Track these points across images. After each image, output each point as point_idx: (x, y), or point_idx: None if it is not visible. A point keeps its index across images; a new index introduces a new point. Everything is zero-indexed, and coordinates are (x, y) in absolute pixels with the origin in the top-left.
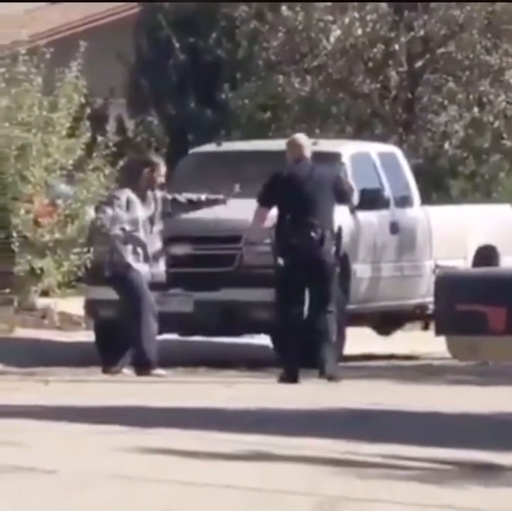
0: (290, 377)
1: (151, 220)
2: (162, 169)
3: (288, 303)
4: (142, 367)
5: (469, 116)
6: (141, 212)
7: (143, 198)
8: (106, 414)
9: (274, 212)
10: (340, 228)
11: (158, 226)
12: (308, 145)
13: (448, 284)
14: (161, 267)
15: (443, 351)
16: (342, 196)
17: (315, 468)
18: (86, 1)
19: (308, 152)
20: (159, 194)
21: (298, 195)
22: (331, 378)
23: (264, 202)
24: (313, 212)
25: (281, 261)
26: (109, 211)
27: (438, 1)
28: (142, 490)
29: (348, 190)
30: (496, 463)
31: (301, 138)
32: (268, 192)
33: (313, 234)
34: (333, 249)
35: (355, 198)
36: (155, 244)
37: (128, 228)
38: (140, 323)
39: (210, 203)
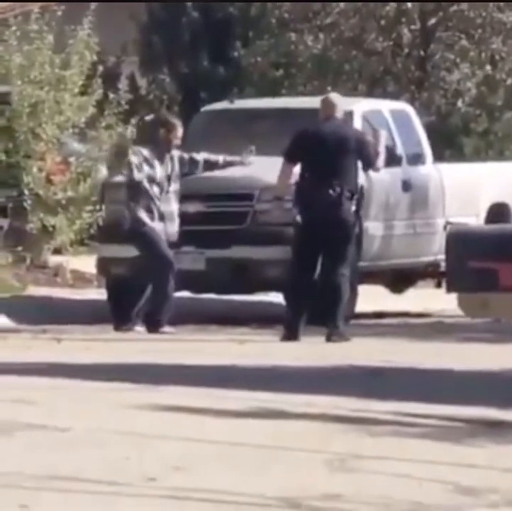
0: (290, 334)
1: (168, 179)
2: (179, 130)
3: (301, 260)
4: (154, 325)
5: (482, 74)
6: (158, 171)
7: (160, 158)
8: (117, 371)
9: (297, 169)
10: (361, 188)
11: (174, 186)
12: (341, 104)
13: (459, 241)
14: (175, 227)
15: (455, 309)
16: (365, 159)
17: (325, 425)
18: None
19: (339, 112)
20: (176, 153)
21: (319, 152)
22: (340, 338)
23: (289, 158)
24: (333, 171)
25: (299, 218)
26: (135, 160)
27: None
28: (153, 447)
29: (373, 155)
30: (508, 420)
31: (335, 97)
32: (293, 148)
33: (331, 192)
34: (352, 208)
35: (380, 162)
36: (171, 204)
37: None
38: (157, 281)
39: (227, 165)
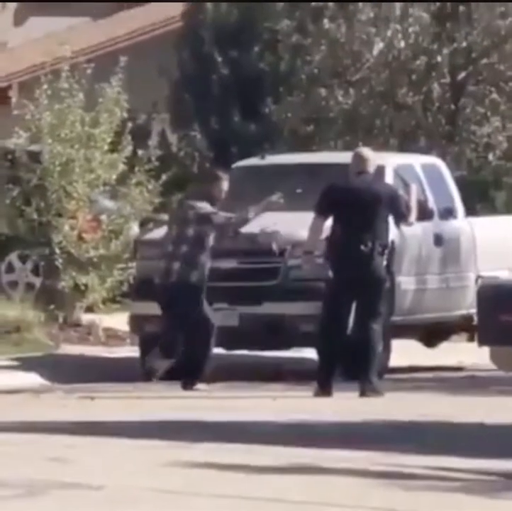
0: (323, 390)
1: None
2: (225, 184)
3: (333, 315)
4: (190, 382)
5: None
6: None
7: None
8: (151, 428)
9: (328, 223)
10: (392, 243)
11: None
12: (373, 159)
13: (490, 294)
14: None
15: (488, 362)
16: (397, 214)
17: (360, 480)
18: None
19: (371, 167)
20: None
21: (351, 207)
22: (373, 393)
23: (320, 212)
24: (366, 226)
25: (330, 273)
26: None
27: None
28: (188, 505)
29: (405, 210)
30: None
31: (366, 151)
32: (323, 202)
33: (362, 247)
34: (384, 264)
35: (412, 217)
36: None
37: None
38: (200, 340)
39: (234, 224)
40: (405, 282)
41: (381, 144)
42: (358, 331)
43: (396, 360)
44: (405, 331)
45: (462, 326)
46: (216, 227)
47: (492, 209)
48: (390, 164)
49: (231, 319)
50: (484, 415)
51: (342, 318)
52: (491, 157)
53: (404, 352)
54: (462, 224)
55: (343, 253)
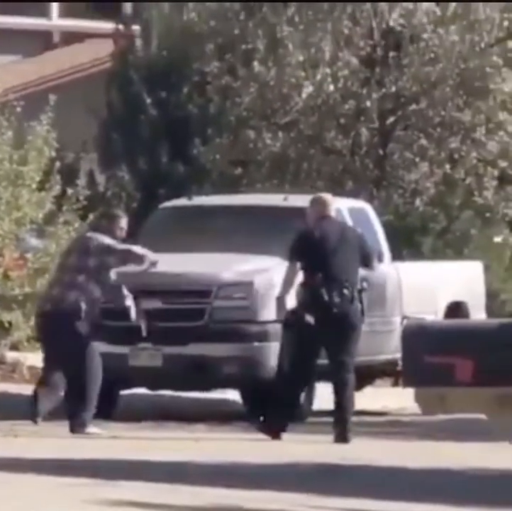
0: (276, 431)
1: None
2: (124, 222)
3: (303, 361)
4: (79, 423)
5: (441, 173)
6: None
7: None
8: (74, 467)
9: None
10: (363, 288)
11: None
12: (333, 203)
13: (415, 335)
14: None
15: (414, 407)
16: (366, 257)
17: None
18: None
19: (333, 211)
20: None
21: (330, 252)
22: (348, 439)
23: (294, 259)
24: (344, 270)
25: (310, 318)
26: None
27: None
28: None
29: (371, 253)
30: None
31: (327, 195)
32: (297, 249)
33: (345, 292)
34: (359, 306)
35: (375, 262)
36: None
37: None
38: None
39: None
40: None
41: (309, 187)
42: (337, 375)
43: (320, 403)
44: (329, 374)
45: (386, 371)
46: (116, 260)
47: (418, 255)
48: None
49: (155, 359)
50: (408, 459)
51: (311, 364)
52: (418, 202)
53: (328, 395)
54: (389, 269)
55: (322, 299)
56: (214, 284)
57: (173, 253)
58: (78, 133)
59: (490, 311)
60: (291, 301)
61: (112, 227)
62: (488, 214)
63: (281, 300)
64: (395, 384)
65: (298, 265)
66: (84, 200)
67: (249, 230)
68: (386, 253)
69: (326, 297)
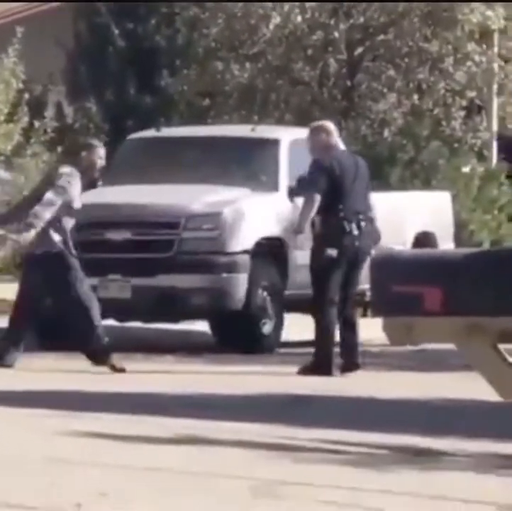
0: (328, 371)
1: None
2: (101, 151)
3: (333, 294)
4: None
5: (409, 104)
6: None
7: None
8: (42, 398)
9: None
10: (374, 218)
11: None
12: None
13: (383, 265)
14: None
15: (382, 337)
16: (368, 187)
17: (251, 452)
18: None
19: (338, 139)
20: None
21: (349, 184)
22: (358, 367)
23: (318, 190)
24: (361, 202)
25: (332, 251)
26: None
27: None
28: (77, 473)
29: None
30: (433, 448)
31: (329, 123)
32: (322, 179)
33: (363, 224)
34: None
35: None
36: None
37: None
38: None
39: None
40: (299, 256)
41: (277, 118)
42: (348, 307)
43: (288, 334)
44: (298, 305)
45: (355, 301)
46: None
47: (386, 185)
48: (285, 138)
49: (124, 290)
50: (378, 389)
51: (338, 296)
52: (386, 133)
53: (297, 327)
54: None
55: (344, 231)
56: (182, 216)
57: (141, 185)
58: (46, 65)
59: (458, 241)
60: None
61: (92, 157)
62: (456, 144)
63: (300, 233)
64: (364, 314)
65: (318, 197)
66: (51, 132)
67: (217, 161)
68: None
69: (348, 229)
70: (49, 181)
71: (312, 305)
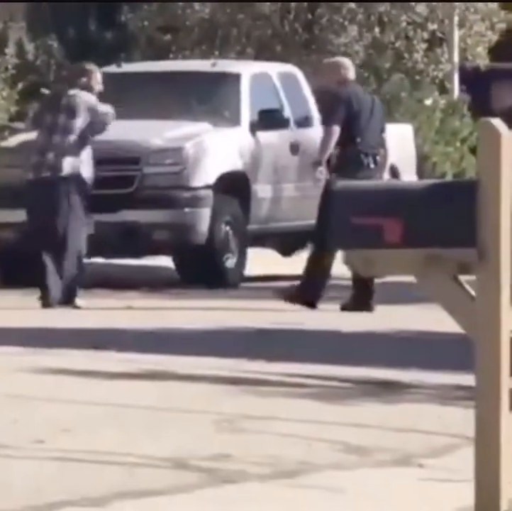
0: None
1: None
2: (99, 76)
3: None
4: (67, 298)
5: (370, 37)
6: None
7: None
8: (3, 335)
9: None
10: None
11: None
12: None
13: (342, 197)
14: None
15: (345, 270)
16: (384, 127)
17: (214, 386)
18: None
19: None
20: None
21: (367, 119)
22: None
23: (338, 123)
24: (376, 137)
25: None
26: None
27: None
28: (39, 410)
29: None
30: (397, 380)
31: (344, 58)
32: (342, 113)
33: (378, 159)
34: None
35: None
36: None
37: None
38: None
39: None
40: (262, 190)
41: (238, 53)
42: None
43: (251, 269)
44: (261, 239)
45: None
46: (99, 121)
47: None
48: (246, 72)
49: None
50: (342, 323)
51: None
52: None
53: (260, 261)
54: (318, 133)
55: (363, 165)
56: (144, 151)
57: None
58: (6, 3)
59: (421, 173)
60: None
61: (91, 83)
62: (417, 77)
63: (319, 166)
64: None
65: (338, 129)
66: (12, 69)
67: (178, 96)
68: (316, 118)
69: (365, 163)
70: (58, 105)
71: (314, 237)
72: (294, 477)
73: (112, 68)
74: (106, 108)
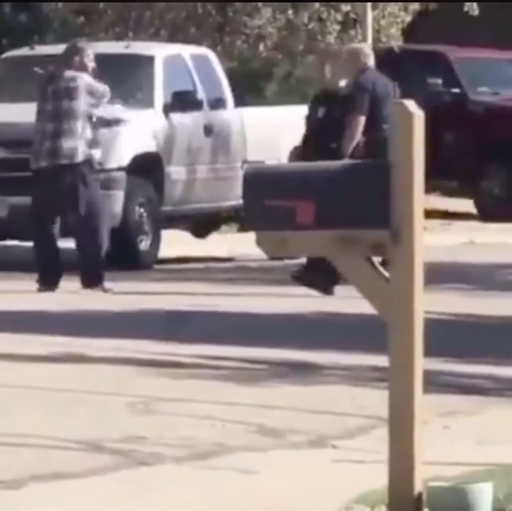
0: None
1: None
2: (91, 54)
3: None
4: (92, 282)
5: (284, 18)
6: None
7: None
8: None
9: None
10: None
11: None
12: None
13: (255, 179)
14: None
15: (260, 252)
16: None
17: (128, 368)
18: None
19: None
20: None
21: (388, 102)
22: None
23: (364, 112)
24: None
25: None
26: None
27: None
28: None
29: None
30: (311, 361)
31: (364, 45)
32: (365, 102)
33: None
34: None
35: None
36: None
37: None
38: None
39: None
40: (175, 172)
41: (152, 35)
42: None
43: (165, 250)
44: (174, 221)
45: (231, 217)
46: (97, 100)
47: (262, 100)
48: (159, 55)
49: (1, 209)
50: (252, 304)
51: None
52: (261, 48)
53: (173, 242)
54: (232, 115)
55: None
56: None
57: (16, 103)
58: None
59: None
60: None
61: (84, 61)
62: None
63: (344, 157)
64: (240, 230)
65: (363, 119)
66: None
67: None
68: (229, 100)
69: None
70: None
71: None
72: (208, 459)
73: (25, 51)
74: (103, 87)
